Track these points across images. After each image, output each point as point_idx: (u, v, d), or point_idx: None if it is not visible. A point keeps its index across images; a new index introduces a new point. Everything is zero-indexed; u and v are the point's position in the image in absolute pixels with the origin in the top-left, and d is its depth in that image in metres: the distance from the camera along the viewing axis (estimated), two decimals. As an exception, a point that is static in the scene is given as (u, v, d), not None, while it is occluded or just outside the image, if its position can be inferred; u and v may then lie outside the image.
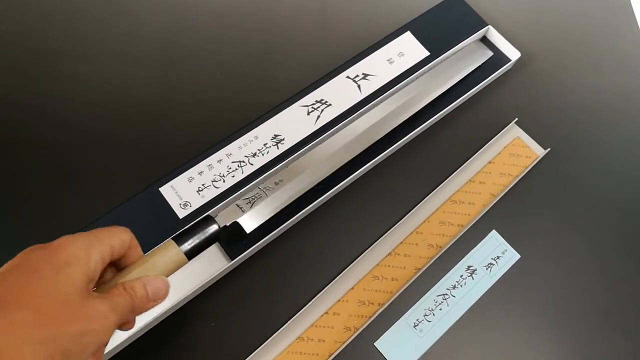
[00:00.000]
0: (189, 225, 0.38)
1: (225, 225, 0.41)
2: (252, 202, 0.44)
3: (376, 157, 0.50)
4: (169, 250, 0.35)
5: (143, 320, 0.42)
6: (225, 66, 0.56)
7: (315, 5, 0.60)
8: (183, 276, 0.44)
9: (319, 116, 0.50)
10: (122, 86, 0.54)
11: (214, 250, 0.46)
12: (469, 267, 0.48)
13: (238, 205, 0.43)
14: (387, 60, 0.54)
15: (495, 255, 0.49)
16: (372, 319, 0.45)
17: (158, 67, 0.55)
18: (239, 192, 0.46)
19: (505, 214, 0.50)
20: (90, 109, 0.52)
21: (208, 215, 0.39)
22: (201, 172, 0.47)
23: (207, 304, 0.46)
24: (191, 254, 0.36)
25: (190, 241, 0.36)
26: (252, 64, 0.56)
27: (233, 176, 0.47)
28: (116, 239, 0.31)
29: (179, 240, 0.36)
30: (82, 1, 0.58)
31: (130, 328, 0.33)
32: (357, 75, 0.53)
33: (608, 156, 0.54)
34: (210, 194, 0.46)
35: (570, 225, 0.51)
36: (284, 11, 0.59)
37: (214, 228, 0.38)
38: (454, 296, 0.47)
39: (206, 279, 0.45)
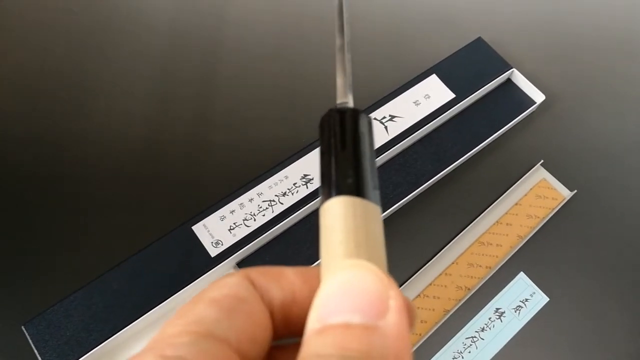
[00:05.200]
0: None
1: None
2: None
3: (403, 199, 0.51)
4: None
5: None
6: (255, 108, 0.57)
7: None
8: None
9: (347, 157, 0.51)
10: (157, 126, 0.55)
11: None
12: (497, 309, 0.48)
13: None
14: (414, 102, 0.55)
15: (524, 298, 0.49)
16: (400, 361, 0.45)
17: (191, 108, 0.57)
18: (269, 230, 0.47)
19: (533, 256, 0.50)
20: (125, 148, 0.54)
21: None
22: (233, 210, 0.48)
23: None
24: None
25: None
26: (281, 107, 0.57)
27: (264, 215, 0.48)
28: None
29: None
30: (111, 50, 0.60)
31: None
32: (384, 117, 0.54)
33: (635, 197, 0.54)
34: (242, 232, 0.47)
35: (598, 267, 0.51)
36: (313, 54, 0.61)
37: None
38: (483, 339, 0.47)
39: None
